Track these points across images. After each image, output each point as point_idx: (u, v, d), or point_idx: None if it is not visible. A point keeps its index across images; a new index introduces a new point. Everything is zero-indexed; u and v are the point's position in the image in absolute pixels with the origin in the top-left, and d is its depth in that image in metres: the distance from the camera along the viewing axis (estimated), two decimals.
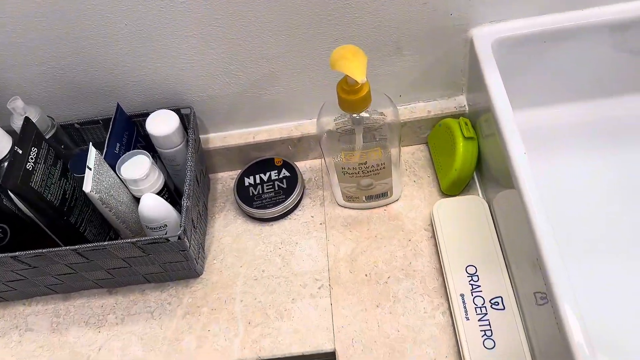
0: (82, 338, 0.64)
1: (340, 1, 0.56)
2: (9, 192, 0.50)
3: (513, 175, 0.50)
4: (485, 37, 0.59)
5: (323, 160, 0.69)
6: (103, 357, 0.62)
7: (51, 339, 0.65)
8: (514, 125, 0.52)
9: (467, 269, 0.59)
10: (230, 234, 0.70)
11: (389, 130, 0.59)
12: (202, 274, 0.67)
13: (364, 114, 0.57)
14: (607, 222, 0.59)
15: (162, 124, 0.63)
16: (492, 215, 0.62)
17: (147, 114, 0.65)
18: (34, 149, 0.53)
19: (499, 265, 0.58)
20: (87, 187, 0.54)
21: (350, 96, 0.54)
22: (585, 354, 0.41)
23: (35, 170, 0.53)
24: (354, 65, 0.50)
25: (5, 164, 0.56)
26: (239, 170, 0.73)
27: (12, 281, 0.63)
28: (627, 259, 0.57)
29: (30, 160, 0.52)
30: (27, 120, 0.54)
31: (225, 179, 0.76)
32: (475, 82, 0.62)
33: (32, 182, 0.52)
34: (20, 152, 0.51)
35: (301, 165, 0.75)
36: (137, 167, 0.60)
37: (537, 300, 0.52)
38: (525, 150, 0.50)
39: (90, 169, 0.54)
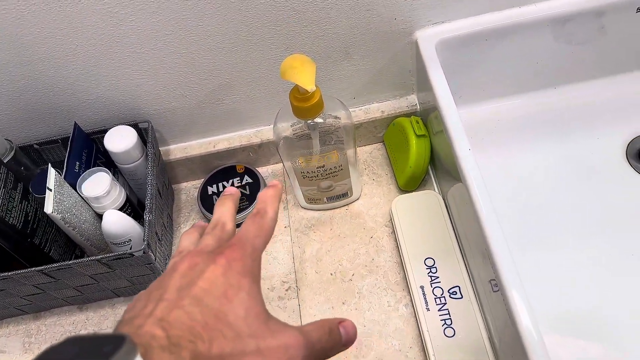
0: None
1: (287, 12, 0.57)
2: None
3: (460, 171, 0.52)
4: (429, 38, 0.61)
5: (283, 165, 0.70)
6: None
7: None
8: (459, 123, 0.55)
9: (425, 262, 0.61)
10: None
11: (345, 132, 0.61)
12: None
13: (318, 120, 0.59)
14: (555, 209, 0.62)
15: (120, 140, 0.63)
16: (447, 208, 0.65)
17: (105, 131, 0.65)
18: None
19: (455, 256, 0.61)
20: (49, 208, 0.54)
21: (303, 103, 0.55)
22: (534, 337, 0.43)
23: None
24: (303, 74, 0.52)
25: None
26: (202, 180, 0.75)
27: None
28: (575, 245, 0.60)
29: None
30: None
31: (189, 188, 0.77)
32: (423, 82, 0.65)
33: None
34: None
35: (263, 171, 0.76)
36: (98, 184, 0.60)
37: (492, 287, 0.55)
38: (470, 146, 0.53)
39: (50, 190, 0.55)
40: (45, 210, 0.54)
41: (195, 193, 0.76)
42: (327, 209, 0.72)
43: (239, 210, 0.70)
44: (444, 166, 0.64)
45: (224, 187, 0.72)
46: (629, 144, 0.66)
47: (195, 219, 0.74)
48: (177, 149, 0.73)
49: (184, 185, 0.78)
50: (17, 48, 0.57)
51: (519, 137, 0.67)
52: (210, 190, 0.73)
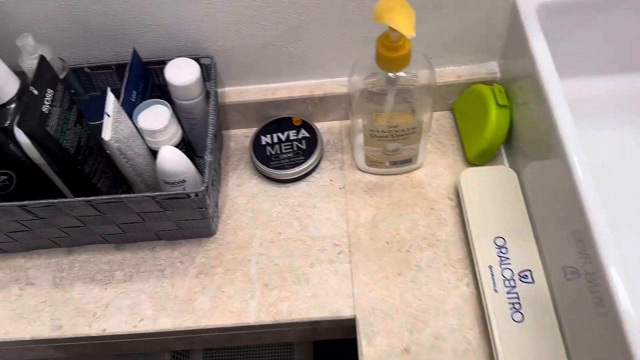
0: (87, 294, 0.62)
1: None
2: (25, 135, 0.47)
3: (559, 146, 0.48)
4: (530, 1, 0.56)
5: (348, 121, 0.65)
6: (110, 314, 0.60)
7: (54, 295, 0.62)
8: (561, 93, 0.50)
9: (495, 241, 0.57)
10: (245, 194, 0.67)
11: (423, 93, 0.57)
12: (215, 233, 0.64)
13: (400, 74, 0.54)
14: None
15: (182, 73, 0.59)
16: (521, 186, 0.61)
17: (163, 62, 0.61)
18: (50, 91, 0.49)
19: (529, 238, 0.57)
20: (107, 134, 0.50)
21: (391, 53, 0.51)
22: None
23: (51, 114, 0.49)
24: (402, 18, 0.47)
25: (12, 105, 0.52)
26: (254, 129, 0.70)
27: (14, 232, 0.59)
28: None
29: (46, 102, 0.48)
30: (42, 59, 0.50)
31: (239, 136, 0.72)
32: (514, 48, 0.60)
33: (48, 127, 0.48)
34: (37, 93, 0.47)
35: (319, 127, 0.71)
36: (156, 117, 0.56)
37: (567, 274, 0.51)
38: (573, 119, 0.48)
39: (109, 116, 0.51)
40: (103, 136, 0.50)
41: (245, 142, 0.71)
42: (387, 174, 0.67)
43: (294, 164, 0.66)
44: (525, 141, 0.59)
45: (279, 138, 0.68)
46: None
47: (245, 169, 0.69)
48: (233, 92, 0.69)
49: (233, 132, 0.73)
50: None
51: (614, 117, 0.61)
52: (264, 140, 0.68)
